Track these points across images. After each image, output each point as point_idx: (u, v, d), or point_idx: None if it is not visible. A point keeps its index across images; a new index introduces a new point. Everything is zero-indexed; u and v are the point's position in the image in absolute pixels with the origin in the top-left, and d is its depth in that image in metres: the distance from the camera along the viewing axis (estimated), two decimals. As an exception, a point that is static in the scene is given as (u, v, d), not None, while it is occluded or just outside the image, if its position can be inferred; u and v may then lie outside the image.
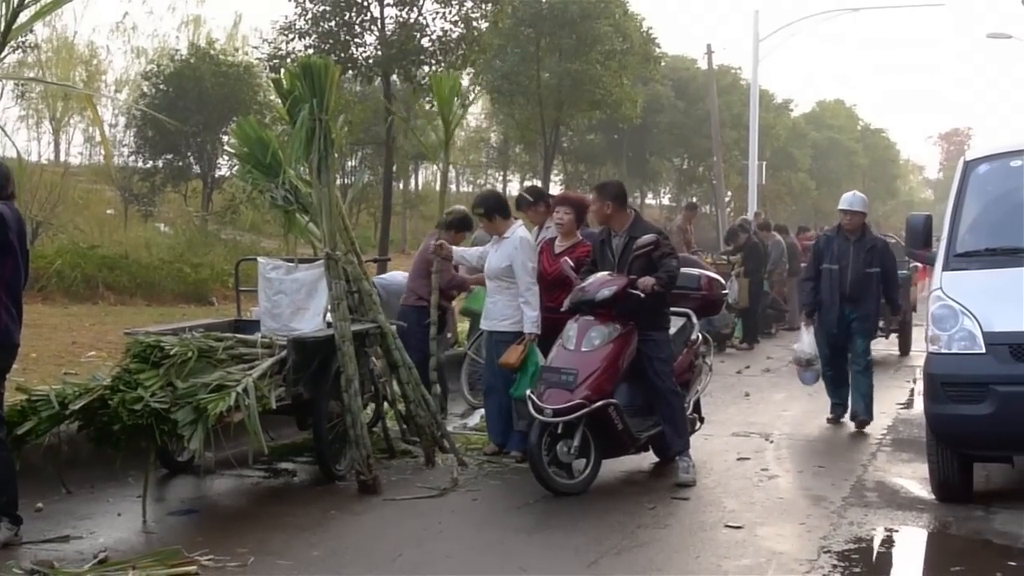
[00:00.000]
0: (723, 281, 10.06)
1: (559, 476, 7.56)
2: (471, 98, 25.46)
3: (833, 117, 67.05)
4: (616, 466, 8.18)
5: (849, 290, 10.20)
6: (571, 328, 7.89)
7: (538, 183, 34.31)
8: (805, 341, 10.60)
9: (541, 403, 7.49)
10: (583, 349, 7.73)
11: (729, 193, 47.15)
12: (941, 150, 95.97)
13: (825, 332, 10.41)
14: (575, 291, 7.99)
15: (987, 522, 6.99)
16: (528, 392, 7.68)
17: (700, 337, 9.01)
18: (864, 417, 10.20)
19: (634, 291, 7.76)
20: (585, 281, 8.03)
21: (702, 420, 9.12)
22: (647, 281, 7.75)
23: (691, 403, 8.71)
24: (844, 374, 10.48)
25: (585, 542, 6.41)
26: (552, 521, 6.90)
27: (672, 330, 8.50)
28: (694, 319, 8.94)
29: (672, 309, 8.57)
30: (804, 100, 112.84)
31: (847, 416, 10.44)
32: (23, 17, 6.27)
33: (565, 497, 7.42)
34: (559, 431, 7.53)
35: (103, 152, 32.79)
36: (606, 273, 8.03)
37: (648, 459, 8.54)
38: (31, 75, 32.63)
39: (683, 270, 9.28)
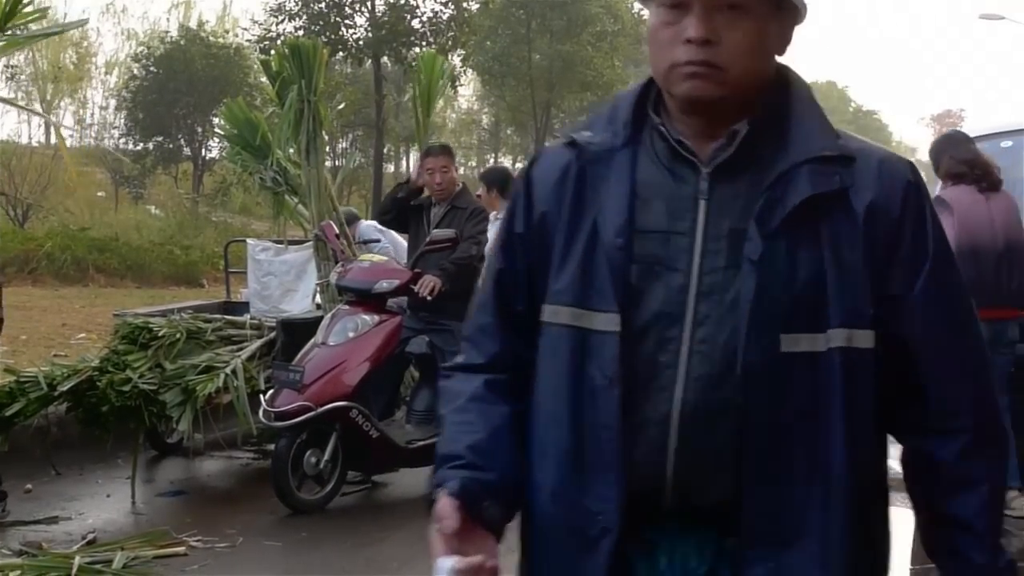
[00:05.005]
0: None
1: (300, 491, 6.46)
2: (460, 80, 25.39)
3: (825, 99, 66.27)
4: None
5: None
6: (326, 318, 6.99)
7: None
8: None
9: (269, 406, 6.46)
10: (330, 343, 6.68)
11: (720, 175, 47.20)
12: (933, 132, 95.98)
13: None
14: (352, 271, 7.01)
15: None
16: (262, 396, 6.68)
17: None
18: None
19: (415, 287, 6.73)
20: (362, 261, 7.11)
21: None
22: (430, 283, 6.64)
23: None
24: None
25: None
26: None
27: None
28: None
29: None
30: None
31: None
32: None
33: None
34: (305, 437, 6.44)
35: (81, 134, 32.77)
36: (390, 261, 7.22)
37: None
38: (20, 58, 32.58)
39: None
